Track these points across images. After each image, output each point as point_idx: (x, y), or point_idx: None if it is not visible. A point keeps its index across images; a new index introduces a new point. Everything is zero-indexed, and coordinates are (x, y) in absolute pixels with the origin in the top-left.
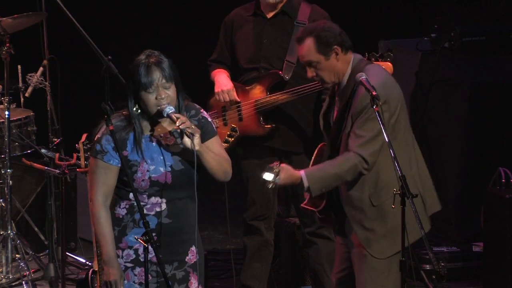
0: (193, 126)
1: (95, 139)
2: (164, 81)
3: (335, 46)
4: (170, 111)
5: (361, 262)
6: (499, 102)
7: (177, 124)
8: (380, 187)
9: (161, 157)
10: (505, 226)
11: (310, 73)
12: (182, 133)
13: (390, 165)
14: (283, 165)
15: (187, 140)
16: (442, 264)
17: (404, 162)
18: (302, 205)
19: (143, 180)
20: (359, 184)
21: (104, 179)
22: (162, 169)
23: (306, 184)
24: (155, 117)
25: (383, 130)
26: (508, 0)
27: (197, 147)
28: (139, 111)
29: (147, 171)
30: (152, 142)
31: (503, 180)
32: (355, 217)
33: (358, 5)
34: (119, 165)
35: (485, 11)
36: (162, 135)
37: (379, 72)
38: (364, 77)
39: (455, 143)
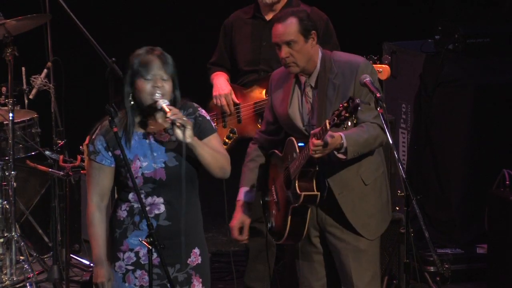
0: (184, 118)
1: (89, 140)
2: (162, 72)
3: (313, 32)
4: (164, 104)
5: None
6: (503, 104)
7: (168, 115)
8: (368, 165)
9: (154, 154)
10: (509, 228)
11: (285, 53)
12: (173, 125)
13: None
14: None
15: (178, 132)
16: (446, 266)
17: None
18: (304, 193)
19: (136, 177)
20: (355, 165)
21: (98, 180)
22: (154, 165)
23: (345, 144)
24: (149, 111)
25: (387, 132)
26: None
27: (188, 139)
28: (132, 102)
29: (140, 167)
30: (146, 139)
31: (507, 182)
32: (348, 197)
33: (362, 7)
34: (112, 165)
35: (489, 12)
36: (156, 132)
37: (345, 53)
38: (368, 78)
39: (459, 144)
